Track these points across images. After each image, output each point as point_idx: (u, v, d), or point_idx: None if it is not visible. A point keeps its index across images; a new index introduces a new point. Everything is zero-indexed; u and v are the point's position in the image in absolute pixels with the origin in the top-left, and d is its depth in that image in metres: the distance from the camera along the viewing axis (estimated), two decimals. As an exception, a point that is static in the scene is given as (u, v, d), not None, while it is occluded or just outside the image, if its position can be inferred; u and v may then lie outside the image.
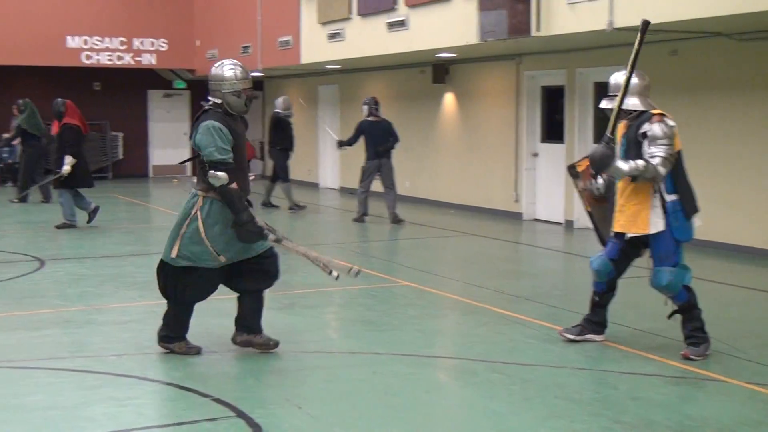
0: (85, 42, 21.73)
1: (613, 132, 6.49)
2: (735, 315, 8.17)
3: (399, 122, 17.06)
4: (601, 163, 6.41)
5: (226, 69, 6.53)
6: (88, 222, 13.78)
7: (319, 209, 17.08)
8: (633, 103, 6.57)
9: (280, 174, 16.32)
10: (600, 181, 6.88)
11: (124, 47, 22.13)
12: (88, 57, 21.82)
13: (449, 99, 17.22)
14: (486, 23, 12.16)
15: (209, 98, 6.56)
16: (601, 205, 7.09)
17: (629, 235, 6.63)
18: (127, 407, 5.50)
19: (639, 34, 6.33)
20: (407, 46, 14.52)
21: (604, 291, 6.93)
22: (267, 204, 16.60)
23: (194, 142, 6.44)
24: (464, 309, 8.37)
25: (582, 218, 12.88)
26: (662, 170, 6.36)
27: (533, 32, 11.37)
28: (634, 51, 6.33)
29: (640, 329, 7.44)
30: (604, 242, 7.11)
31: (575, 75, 13.96)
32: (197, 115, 6.60)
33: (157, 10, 22.38)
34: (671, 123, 6.48)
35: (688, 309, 6.62)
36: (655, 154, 6.36)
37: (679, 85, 12.32)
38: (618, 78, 6.62)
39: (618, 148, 6.64)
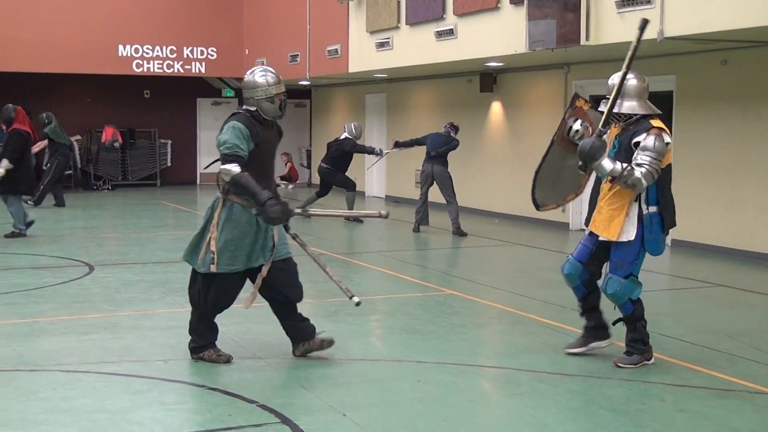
0: (137, 50, 21.93)
1: (605, 126, 6.32)
2: (785, 328, 8.06)
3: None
4: (589, 155, 6.21)
5: (258, 75, 6.52)
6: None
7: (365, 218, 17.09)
8: (630, 106, 6.37)
9: (345, 185, 16.21)
10: (577, 127, 6.79)
11: (174, 56, 22.32)
12: (139, 65, 22.03)
13: (496, 108, 17.18)
14: (535, 32, 12.12)
15: (244, 106, 6.59)
16: (563, 150, 6.92)
17: (601, 238, 6.54)
18: (173, 412, 5.56)
19: (638, 32, 6.15)
20: (455, 55, 14.51)
21: (586, 295, 6.79)
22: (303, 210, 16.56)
23: (217, 142, 6.44)
24: (509, 318, 8.34)
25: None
26: (643, 182, 6.21)
27: (583, 41, 11.30)
28: (631, 48, 6.13)
29: (686, 341, 7.36)
30: (534, 200, 7.32)
31: (624, 84, 13.82)
32: (227, 119, 6.58)
33: (207, 19, 22.55)
34: (667, 139, 6.28)
35: (631, 321, 6.57)
36: (641, 164, 6.20)
37: (730, 94, 12.20)
38: (616, 79, 6.34)
39: (608, 149, 6.50)
